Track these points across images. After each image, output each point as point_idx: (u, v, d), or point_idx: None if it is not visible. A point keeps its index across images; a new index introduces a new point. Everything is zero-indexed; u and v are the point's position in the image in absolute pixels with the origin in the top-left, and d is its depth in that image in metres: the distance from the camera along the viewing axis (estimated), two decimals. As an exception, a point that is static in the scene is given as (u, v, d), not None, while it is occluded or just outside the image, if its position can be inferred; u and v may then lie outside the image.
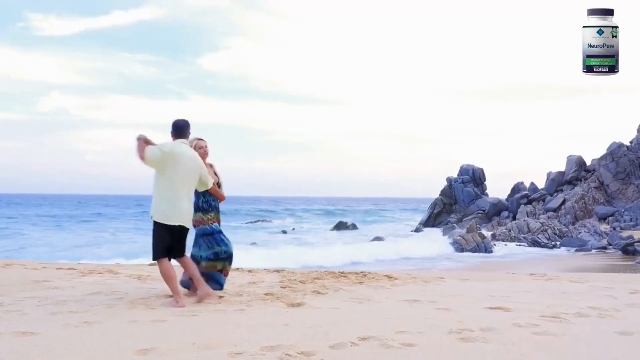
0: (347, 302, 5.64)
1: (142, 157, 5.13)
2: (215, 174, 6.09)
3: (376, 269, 11.74)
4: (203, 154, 5.89)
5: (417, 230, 36.50)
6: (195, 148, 5.73)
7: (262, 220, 50.52)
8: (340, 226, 40.11)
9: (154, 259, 5.37)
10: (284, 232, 38.32)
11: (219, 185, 6.06)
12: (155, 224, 5.30)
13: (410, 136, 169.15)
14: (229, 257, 5.99)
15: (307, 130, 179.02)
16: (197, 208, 5.84)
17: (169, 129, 5.51)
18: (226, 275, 6.08)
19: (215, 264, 5.91)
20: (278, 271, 8.69)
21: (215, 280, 5.91)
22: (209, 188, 5.73)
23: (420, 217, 45.47)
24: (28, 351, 3.51)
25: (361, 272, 8.30)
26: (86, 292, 5.86)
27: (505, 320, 4.69)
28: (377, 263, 18.87)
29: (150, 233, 5.35)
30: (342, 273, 8.06)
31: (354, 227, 39.72)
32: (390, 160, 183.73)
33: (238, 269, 8.99)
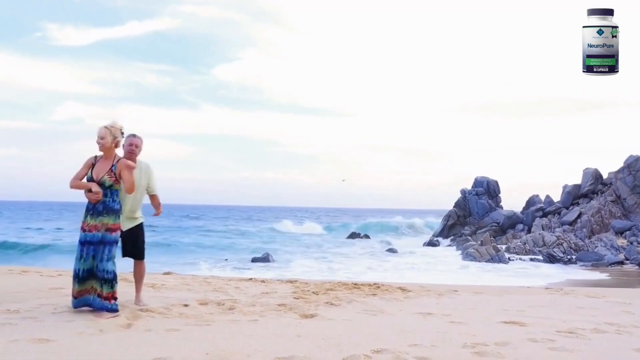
0: (360, 313, 5.62)
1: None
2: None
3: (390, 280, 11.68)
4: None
5: (430, 243, 36.12)
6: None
7: (276, 231, 50.59)
8: (353, 237, 40.71)
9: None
10: (299, 241, 38.34)
11: (101, 183, 5.14)
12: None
13: (422, 149, 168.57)
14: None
15: (318, 142, 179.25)
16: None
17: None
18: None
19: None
20: (291, 282, 8.68)
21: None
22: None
23: (430, 228, 45.50)
24: (43, 358, 3.55)
25: (374, 283, 8.26)
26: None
27: (520, 335, 4.64)
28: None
29: (142, 238, 5.74)
30: (355, 284, 8.03)
31: (366, 237, 40.50)
32: (402, 172, 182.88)
33: (251, 279, 9.00)
